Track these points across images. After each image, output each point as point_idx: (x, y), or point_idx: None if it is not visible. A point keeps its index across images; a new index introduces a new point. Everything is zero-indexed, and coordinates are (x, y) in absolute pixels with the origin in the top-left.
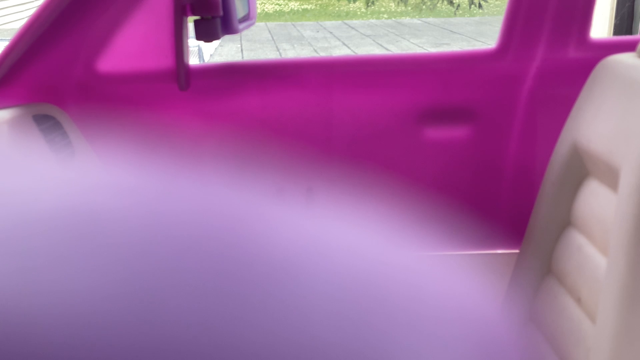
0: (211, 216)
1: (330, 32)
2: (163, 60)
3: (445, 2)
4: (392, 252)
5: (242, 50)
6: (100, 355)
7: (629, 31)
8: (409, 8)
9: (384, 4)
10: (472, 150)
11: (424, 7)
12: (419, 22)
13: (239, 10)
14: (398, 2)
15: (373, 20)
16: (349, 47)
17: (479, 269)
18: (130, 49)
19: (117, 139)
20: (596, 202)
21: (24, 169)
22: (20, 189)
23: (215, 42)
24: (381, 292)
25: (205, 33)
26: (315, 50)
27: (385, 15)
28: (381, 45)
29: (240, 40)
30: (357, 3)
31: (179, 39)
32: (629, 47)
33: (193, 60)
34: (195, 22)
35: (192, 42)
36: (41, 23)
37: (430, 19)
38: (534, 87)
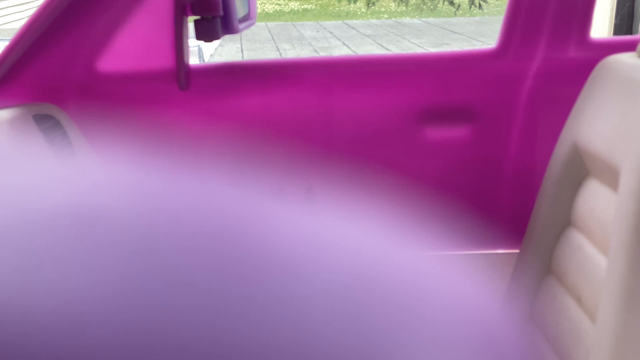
0: (211, 216)
1: (331, 32)
2: (163, 60)
3: (446, 3)
4: (392, 252)
5: (242, 50)
6: (101, 353)
7: (629, 31)
8: (410, 8)
9: (384, 4)
10: (472, 150)
11: (424, 7)
12: (419, 22)
13: (239, 10)
14: (399, 3)
15: (373, 20)
16: (349, 47)
17: (479, 269)
18: (130, 49)
19: (117, 138)
20: (596, 202)
21: (24, 169)
22: (20, 188)
23: (215, 42)
24: (381, 292)
25: (206, 33)
26: (316, 50)
27: (385, 15)
28: (381, 45)
29: (240, 40)
30: (357, 3)
31: (179, 38)
32: (629, 47)
33: (193, 60)
34: (196, 22)
35: (192, 42)
36: (41, 23)
37: (431, 19)
38: (534, 87)
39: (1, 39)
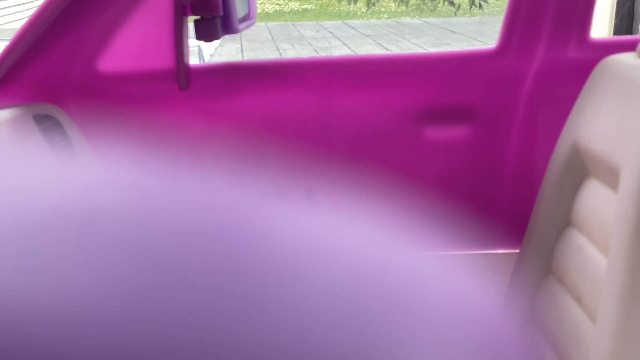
0: (211, 215)
1: (331, 32)
2: (163, 60)
3: (446, 3)
4: (392, 252)
5: (242, 50)
6: (101, 353)
7: (629, 31)
8: (410, 9)
9: (384, 4)
10: (472, 150)
11: (424, 7)
12: (419, 22)
13: (239, 10)
14: (399, 3)
15: (373, 20)
16: (349, 47)
17: (479, 269)
18: (130, 49)
19: (117, 138)
20: (596, 202)
21: (24, 169)
22: (20, 188)
23: (215, 42)
24: (381, 292)
25: (206, 33)
26: (316, 50)
27: (385, 15)
28: (381, 45)
29: (240, 40)
30: (357, 3)
31: (179, 38)
32: (629, 47)
33: (193, 60)
34: (196, 22)
35: (192, 42)
36: (41, 23)
37: (431, 19)
38: (534, 87)
39: (1, 39)
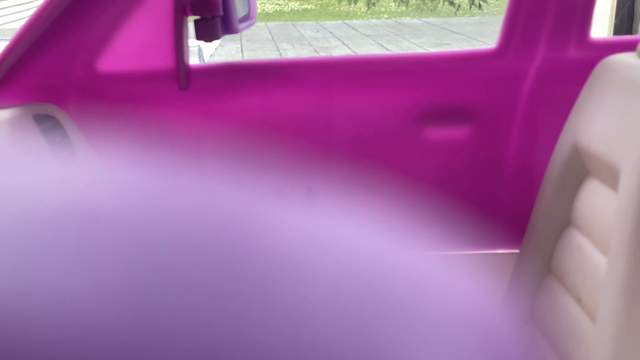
0: (212, 215)
1: (331, 32)
2: (163, 60)
3: (446, 3)
4: (392, 252)
5: (242, 50)
6: (101, 353)
7: (629, 31)
8: (410, 9)
9: (384, 4)
10: (472, 150)
11: (424, 7)
12: (419, 22)
13: (239, 10)
14: (399, 3)
15: (373, 20)
16: (349, 47)
17: (479, 269)
18: (130, 49)
19: (117, 138)
20: (596, 202)
21: (24, 169)
22: (20, 188)
23: (215, 42)
24: (381, 291)
25: (206, 33)
26: (316, 50)
27: (385, 15)
28: (381, 45)
29: (240, 40)
30: (357, 4)
31: (179, 38)
32: (629, 47)
33: (193, 60)
34: (196, 22)
35: (192, 42)
36: (41, 23)
37: (431, 19)
38: (534, 87)
39: (1, 39)
